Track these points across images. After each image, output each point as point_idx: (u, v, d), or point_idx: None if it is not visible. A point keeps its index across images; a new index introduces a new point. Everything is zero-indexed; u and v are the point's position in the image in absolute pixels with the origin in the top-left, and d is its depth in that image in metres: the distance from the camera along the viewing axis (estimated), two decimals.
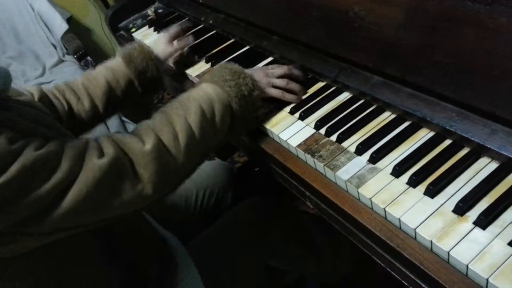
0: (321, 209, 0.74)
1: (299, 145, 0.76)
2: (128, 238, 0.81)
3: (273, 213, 1.05)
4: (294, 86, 0.87)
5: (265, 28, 1.04)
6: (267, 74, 0.87)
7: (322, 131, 0.77)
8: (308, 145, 0.76)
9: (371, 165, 0.68)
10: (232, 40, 1.15)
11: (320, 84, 0.89)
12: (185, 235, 0.98)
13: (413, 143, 0.69)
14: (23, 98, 0.76)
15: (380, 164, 0.68)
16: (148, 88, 0.98)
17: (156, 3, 1.54)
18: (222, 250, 0.95)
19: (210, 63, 1.09)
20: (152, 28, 1.37)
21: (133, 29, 1.42)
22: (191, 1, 1.33)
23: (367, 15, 0.76)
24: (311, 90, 0.88)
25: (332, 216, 0.72)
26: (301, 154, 0.75)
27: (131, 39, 1.41)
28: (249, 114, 0.80)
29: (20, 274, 0.63)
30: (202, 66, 1.09)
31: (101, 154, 0.62)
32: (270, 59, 1.03)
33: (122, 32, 1.47)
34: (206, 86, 0.78)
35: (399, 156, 0.68)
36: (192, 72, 1.08)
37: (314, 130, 0.78)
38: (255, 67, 0.91)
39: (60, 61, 2.24)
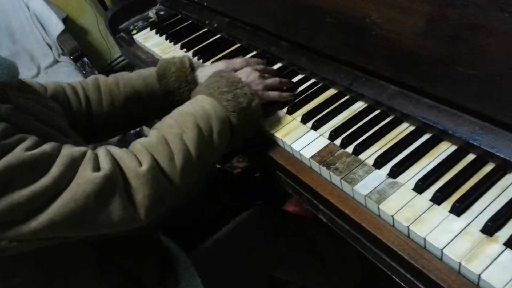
0: (335, 224, 0.71)
1: (313, 157, 0.73)
2: (125, 245, 0.77)
3: (277, 221, 1.02)
4: (286, 82, 0.89)
5: (273, 33, 1.01)
6: (261, 76, 0.84)
7: (337, 142, 0.74)
8: (323, 157, 0.72)
9: (391, 180, 0.65)
10: (238, 45, 1.12)
11: (332, 92, 0.86)
12: (188, 242, 0.95)
13: (435, 156, 0.66)
14: (30, 92, 0.72)
15: (401, 178, 0.65)
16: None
17: (158, 5, 1.50)
18: (225, 260, 0.92)
19: None
20: (154, 31, 1.34)
21: (134, 31, 1.38)
22: (195, 3, 1.29)
23: (385, 23, 0.73)
24: (322, 98, 0.85)
25: (348, 232, 0.69)
26: (315, 166, 0.72)
27: (132, 41, 1.37)
28: (249, 126, 0.77)
29: (5, 275, 0.60)
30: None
31: (97, 167, 0.59)
32: (278, 65, 1.00)
33: (122, 34, 1.43)
34: (202, 100, 0.74)
35: (421, 170, 0.65)
36: None
37: (329, 141, 0.75)
38: (246, 69, 0.87)
39: (56, 61, 2.19)
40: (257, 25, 1.06)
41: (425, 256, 0.57)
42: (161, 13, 1.45)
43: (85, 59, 2.16)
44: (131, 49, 1.36)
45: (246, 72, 0.85)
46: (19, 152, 0.51)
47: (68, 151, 0.57)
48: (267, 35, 1.03)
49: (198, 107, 0.72)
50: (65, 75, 2.05)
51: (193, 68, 0.89)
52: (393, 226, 0.61)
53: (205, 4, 1.24)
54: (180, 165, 0.65)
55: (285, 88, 0.88)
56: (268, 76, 0.87)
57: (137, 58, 1.34)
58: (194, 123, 0.69)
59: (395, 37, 0.72)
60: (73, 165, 0.56)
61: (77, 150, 0.58)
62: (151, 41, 1.29)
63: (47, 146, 0.55)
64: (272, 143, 0.82)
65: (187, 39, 1.23)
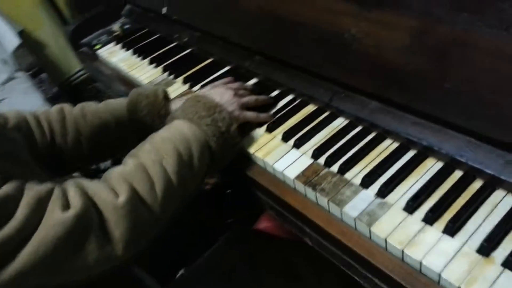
0: (323, 248, 0.68)
1: (297, 177, 0.70)
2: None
3: (254, 245, 0.98)
4: (264, 99, 0.86)
5: (247, 48, 0.98)
6: (236, 95, 0.81)
7: (321, 160, 0.72)
8: (308, 177, 0.70)
9: (380, 200, 0.63)
10: (210, 60, 1.08)
11: (311, 108, 0.84)
12: (162, 273, 0.89)
13: (422, 174, 0.65)
14: None
15: (390, 198, 0.63)
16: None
17: (122, 18, 1.44)
18: None
19: (188, 84, 1.01)
20: (119, 45, 1.28)
21: (98, 46, 1.31)
22: (163, 17, 1.25)
23: (366, 38, 0.71)
24: (301, 114, 0.83)
25: (337, 255, 0.66)
26: (300, 187, 0.69)
27: (95, 56, 1.30)
28: (228, 150, 0.74)
29: None
30: (179, 88, 1.02)
31: (66, 205, 0.53)
32: (254, 80, 0.97)
33: (84, 48, 1.36)
34: (181, 125, 0.70)
35: (410, 189, 0.63)
36: (170, 94, 1.00)
37: (312, 160, 0.72)
38: (217, 87, 0.84)
39: (11, 78, 2.06)
40: (230, 39, 1.03)
41: (421, 280, 0.54)
42: (126, 27, 1.39)
43: (43, 75, 2.05)
44: (95, 64, 1.30)
45: (220, 92, 0.81)
46: None
47: (33, 190, 0.51)
48: (241, 49, 1.00)
49: (176, 132, 0.68)
50: (21, 92, 1.93)
51: (167, 101, 0.84)
52: (386, 249, 0.59)
53: (174, 18, 1.20)
54: (161, 193, 0.60)
55: (261, 105, 0.85)
56: (243, 93, 0.84)
57: (101, 74, 1.28)
58: (174, 149, 0.64)
59: (376, 52, 0.71)
60: (40, 206, 0.50)
61: (42, 188, 0.52)
62: (116, 56, 1.23)
63: (8, 187, 0.48)
64: (252, 163, 0.78)
65: (156, 54, 1.18)
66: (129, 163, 0.63)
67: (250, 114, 0.81)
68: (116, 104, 0.83)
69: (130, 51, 1.22)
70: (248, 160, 0.79)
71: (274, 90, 0.91)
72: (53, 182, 0.55)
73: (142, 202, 0.58)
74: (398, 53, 0.68)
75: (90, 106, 0.82)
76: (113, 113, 0.81)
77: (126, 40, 1.29)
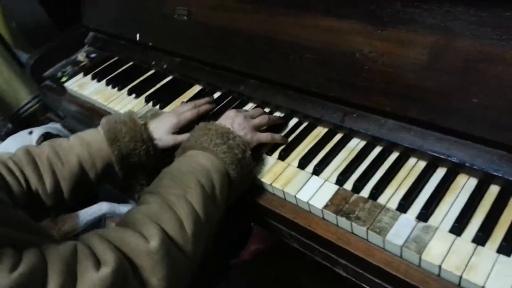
0: (361, 277, 0.64)
1: (326, 206, 0.66)
2: None
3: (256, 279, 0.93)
4: (275, 119, 0.83)
5: (239, 72, 0.94)
6: (246, 117, 0.77)
7: (348, 186, 0.68)
8: (337, 205, 0.65)
9: (423, 224, 0.60)
10: (198, 87, 1.02)
11: (321, 130, 0.80)
12: None
13: (458, 191, 0.63)
14: None
15: (433, 220, 0.60)
16: (129, 174, 0.79)
17: (86, 46, 1.34)
18: None
19: None
20: (89, 76, 1.18)
21: (64, 78, 1.21)
22: (136, 44, 1.17)
23: (380, 57, 0.69)
24: (312, 138, 0.79)
25: (378, 285, 0.62)
26: (331, 217, 0.65)
27: (62, 90, 1.19)
28: (245, 177, 0.70)
29: None
30: None
31: (97, 263, 0.46)
32: (250, 105, 0.92)
33: (48, 82, 1.25)
34: (197, 155, 0.66)
35: (450, 209, 0.61)
36: None
37: (337, 186, 0.68)
38: (228, 113, 0.79)
39: None
40: (217, 64, 0.98)
41: None
42: (93, 55, 1.30)
43: None
44: (62, 98, 1.19)
45: (230, 116, 0.76)
46: (2, 278, 0.36)
47: (56, 255, 0.43)
48: (232, 73, 0.95)
49: (194, 164, 0.63)
50: None
51: (143, 124, 0.79)
52: (439, 275, 0.56)
53: (150, 44, 1.12)
54: (191, 231, 0.55)
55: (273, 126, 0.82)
56: (254, 114, 0.80)
57: (71, 109, 1.17)
58: (196, 181, 0.60)
59: (393, 70, 0.69)
60: (71, 270, 0.43)
61: (65, 250, 0.45)
62: (88, 88, 1.14)
63: (30, 258, 0.40)
64: (268, 193, 0.73)
65: (134, 83, 1.10)
66: (151, 201, 0.56)
67: (264, 136, 0.77)
68: (90, 136, 0.76)
69: (103, 82, 1.13)
70: (263, 191, 0.73)
71: (274, 113, 0.87)
72: (69, 240, 0.48)
73: (174, 243, 0.53)
74: (417, 70, 0.66)
75: (60, 144, 0.74)
76: (91, 146, 0.73)
77: (96, 70, 1.19)
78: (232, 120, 0.75)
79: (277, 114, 0.87)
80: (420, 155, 0.69)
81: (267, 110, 0.89)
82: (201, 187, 0.60)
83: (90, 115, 1.10)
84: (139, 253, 0.50)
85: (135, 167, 0.77)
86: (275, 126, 0.82)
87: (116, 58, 1.23)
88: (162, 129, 0.80)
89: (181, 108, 0.86)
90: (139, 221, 0.54)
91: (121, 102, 1.04)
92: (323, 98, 0.80)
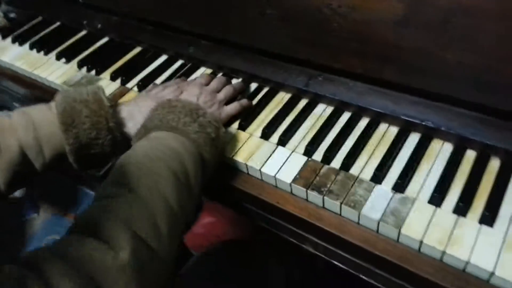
0: (335, 256, 0.59)
1: (295, 180, 0.59)
2: None
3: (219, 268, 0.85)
4: (240, 86, 0.74)
5: (189, 32, 0.83)
6: (211, 92, 0.68)
7: (317, 157, 0.62)
8: (307, 179, 0.59)
9: (399, 195, 0.55)
10: (139, 49, 0.90)
11: (284, 96, 0.73)
12: None
13: (434, 158, 0.59)
14: None
15: (410, 191, 0.55)
16: (86, 166, 0.64)
17: (2, 5, 1.15)
18: None
19: (119, 81, 0.82)
20: (8, 39, 1.01)
21: None
22: (62, 1, 1.01)
23: (349, 12, 0.62)
24: (274, 105, 0.72)
25: (354, 263, 0.57)
26: (301, 191, 0.59)
27: None
28: (218, 157, 0.61)
29: None
30: (108, 85, 0.82)
31: None
32: (202, 69, 0.82)
33: None
34: (165, 137, 0.55)
35: (427, 177, 0.56)
36: None
37: (306, 157, 0.62)
38: (190, 88, 0.68)
39: None
40: (162, 23, 0.86)
41: (472, 282, 0.48)
42: (11, 15, 1.11)
43: None
44: None
45: (191, 91, 0.66)
46: None
47: None
48: (180, 34, 0.84)
49: (162, 147, 0.53)
50: None
51: (112, 106, 0.63)
52: (420, 251, 0.51)
53: (81, 1, 0.97)
54: (167, 229, 0.46)
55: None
56: (216, 86, 0.70)
57: None
58: (167, 168, 0.50)
59: (365, 28, 0.62)
60: None
61: (5, 274, 0.34)
62: (8, 53, 0.97)
63: None
64: (230, 169, 0.65)
65: (63, 46, 0.95)
66: (115, 195, 0.46)
67: (232, 108, 0.69)
68: (41, 115, 0.60)
69: (26, 46, 0.97)
70: (224, 166, 0.65)
71: (231, 79, 0.78)
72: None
73: (148, 248, 0.43)
74: (391, 27, 0.60)
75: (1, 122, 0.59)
76: (40, 129, 0.58)
77: (17, 33, 1.02)
78: (196, 95, 0.65)
79: (234, 80, 0.78)
80: (392, 120, 0.64)
81: (220, 75, 0.80)
82: (174, 175, 0.50)
83: (15, 84, 0.94)
84: (107, 270, 0.39)
85: (96, 158, 0.63)
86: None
87: (40, 18, 1.06)
88: (137, 116, 0.63)
89: (156, 89, 0.70)
90: (102, 224, 0.42)
91: (49, 68, 0.90)
92: (285, 60, 0.72)
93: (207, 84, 0.70)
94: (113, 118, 0.61)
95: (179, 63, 0.85)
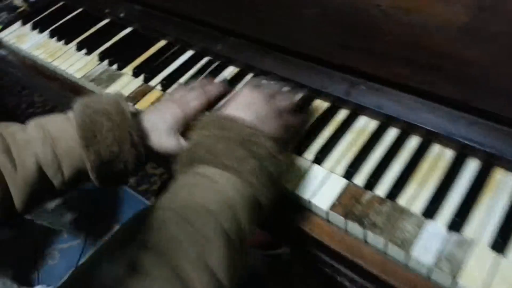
0: None
1: (333, 207, 0.52)
2: None
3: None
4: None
5: (217, 27, 0.75)
6: (271, 101, 0.55)
7: (359, 181, 0.54)
8: (347, 206, 0.52)
9: (456, 235, 0.47)
10: (164, 42, 0.83)
11: (319, 105, 0.65)
12: None
13: (496, 192, 0.51)
14: None
15: (468, 231, 0.48)
16: (108, 182, 0.57)
17: None
18: None
19: (142, 77, 0.76)
20: (28, 26, 0.96)
21: None
22: None
23: (404, 15, 0.53)
24: (316, 114, 0.64)
25: None
26: (339, 220, 0.52)
27: None
28: (278, 196, 0.50)
29: None
30: (130, 82, 0.76)
31: None
32: (231, 69, 0.75)
33: None
34: (216, 177, 0.46)
35: (489, 216, 0.49)
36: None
37: (346, 181, 0.55)
38: (245, 94, 0.55)
39: None
40: (189, 15, 0.79)
41: None
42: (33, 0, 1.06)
43: None
44: None
45: (251, 101, 0.54)
46: None
47: None
48: (208, 28, 0.77)
49: (212, 193, 0.44)
50: None
51: (135, 116, 0.56)
52: None
53: None
54: None
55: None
56: (275, 93, 0.58)
57: (8, 66, 0.96)
58: (218, 229, 0.41)
59: (421, 33, 0.53)
60: None
61: None
62: (28, 40, 0.92)
63: None
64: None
65: (84, 35, 0.89)
66: (148, 269, 0.36)
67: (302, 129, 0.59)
68: (59, 127, 0.53)
69: (46, 33, 0.92)
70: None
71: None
72: None
73: None
74: (451, 35, 0.51)
75: (14, 136, 0.52)
76: (58, 144, 0.52)
77: (37, 18, 0.97)
78: (256, 110, 0.53)
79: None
80: (448, 142, 0.55)
81: (250, 76, 0.72)
82: (225, 237, 0.41)
83: (34, 74, 0.89)
84: None
85: (118, 174, 0.55)
86: None
87: (62, 3, 1.01)
88: (162, 126, 0.56)
89: (181, 92, 0.62)
90: None
91: (69, 59, 0.84)
92: (324, 65, 0.64)
93: (269, 93, 0.57)
94: (137, 130, 0.54)
95: (205, 59, 0.77)
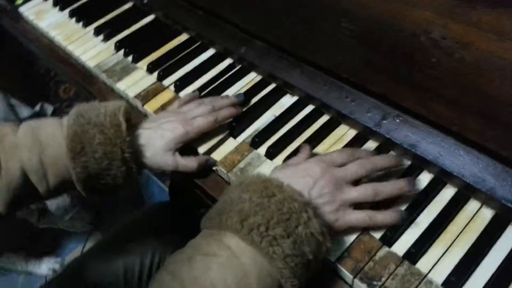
0: None
1: (341, 259, 0.46)
2: None
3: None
4: (389, 190, 0.46)
5: (243, 29, 0.68)
6: (337, 182, 0.45)
7: (375, 232, 0.48)
8: (358, 261, 0.46)
9: None
10: (185, 37, 0.77)
11: (345, 131, 0.58)
12: None
13: None
14: None
15: None
16: (95, 194, 0.53)
17: None
18: None
19: (156, 74, 0.71)
20: (50, 1, 0.91)
21: (19, 1, 0.93)
22: None
23: (458, 48, 0.45)
24: (332, 141, 0.57)
25: None
26: (347, 276, 0.45)
27: (17, 15, 0.93)
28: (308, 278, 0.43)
29: None
30: (143, 78, 0.71)
31: None
32: (253, 75, 0.68)
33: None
34: (240, 255, 0.39)
35: None
36: (129, 90, 0.69)
37: (359, 233, 0.48)
38: (309, 162, 0.47)
39: None
40: (216, 11, 0.72)
41: None
42: None
43: None
44: (17, 26, 0.93)
45: (314, 171, 0.45)
46: None
47: None
48: (234, 27, 0.70)
49: (231, 273, 0.37)
50: None
51: (132, 129, 0.52)
52: None
53: None
54: None
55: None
56: (348, 158, 0.49)
57: (27, 40, 0.92)
58: None
59: (474, 72, 0.45)
60: None
61: None
62: (47, 18, 0.88)
63: None
64: None
65: (104, 19, 0.84)
66: None
67: (360, 218, 0.45)
68: (49, 134, 0.50)
69: (66, 12, 0.87)
70: None
71: (284, 95, 0.64)
72: None
73: None
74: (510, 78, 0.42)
75: (3, 140, 0.49)
76: (46, 152, 0.49)
77: None
78: (310, 179, 0.44)
79: (287, 97, 0.64)
80: (488, 200, 0.47)
81: (272, 86, 0.66)
82: None
83: (50, 55, 0.85)
84: None
85: (106, 188, 0.52)
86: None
87: None
88: (158, 144, 0.52)
89: (188, 107, 0.57)
90: None
91: (85, 45, 0.79)
92: (354, 87, 0.57)
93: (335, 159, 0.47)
94: (129, 148, 0.49)
95: (227, 62, 0.71)
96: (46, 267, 1.42)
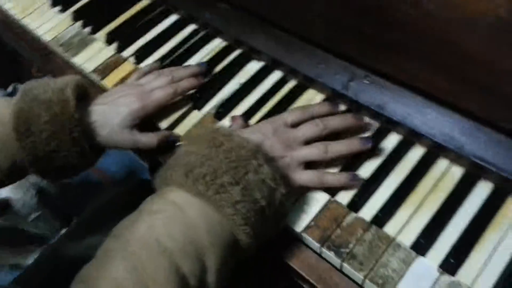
0: None
1: (307, 229, 0.45)
2: None
3: None
4: (340, 147, 0.46)
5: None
6: (288, 141, 0.45)
7: (342, 198, 0.46)
8: (325, 230, 0.44)
9: (448, 278, 0.40)
10: (147, 2, 0.73)
11: (313, 96, 0.56)
12: None
13: (505, 229, 0.42)
14: None
15: (463, 275, 0.40)
16: (53, 178, 0.51)
17: None
18: None
19: (115, 45, 0.67)
20: None
21: None
22: None
23: (443, 9, 0.42)
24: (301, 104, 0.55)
25: None
26: (314, 245, 0.44)
27: None
28: (267, 233, 0.42)
29: None
30: (102, 50, 0.67)
31: None
32: (217, 41, 0.65)
33: None
34: (186, 208, 0.37)
35: (492, 258, 0.40)
36: (88, 62, 0.65)
37: (327, 196, 0.46)
38: (264, 124, 0.47)
39: None
40: None
41: None
42: None
43: None
44: None
45: (266, 130, 0.45)
46: None
47: None
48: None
49: (178, 228, 0.35)
50: None
51: (83, 105, 0.49)
52: None
53: None
54: None
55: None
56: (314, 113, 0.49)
57: None
58: (171, 272, 0.33)
59: (444, 27, 0.42)
60: None
61: None
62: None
63: None
64: None
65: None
66: None
67: (310, 177, 0.45)
68: None
69: None
70: None
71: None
72: None
73: None
74: (485, 34, 0.40)
75: None
76: None
77: None
78: (264, 136, 0.44)
79: (253, 63, 0.61)
80: (458, 158, 0.46)
81: (238, 52, 0.62)
82: (179, 282, 0.33)
83: (5, 30, 0.80)
84: None
85: (62, 170, 0.49)
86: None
87: None
88: (114, 121, 0.49)
89: (146, 79, 0.54)
90: None
91: (41, 17, 0.75)
92: (322, 49, 0.54)
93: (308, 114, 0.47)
94: (78, 126, 0.46)
95: (190, 28, 0.67)
96: (33, 257, 1.40)
